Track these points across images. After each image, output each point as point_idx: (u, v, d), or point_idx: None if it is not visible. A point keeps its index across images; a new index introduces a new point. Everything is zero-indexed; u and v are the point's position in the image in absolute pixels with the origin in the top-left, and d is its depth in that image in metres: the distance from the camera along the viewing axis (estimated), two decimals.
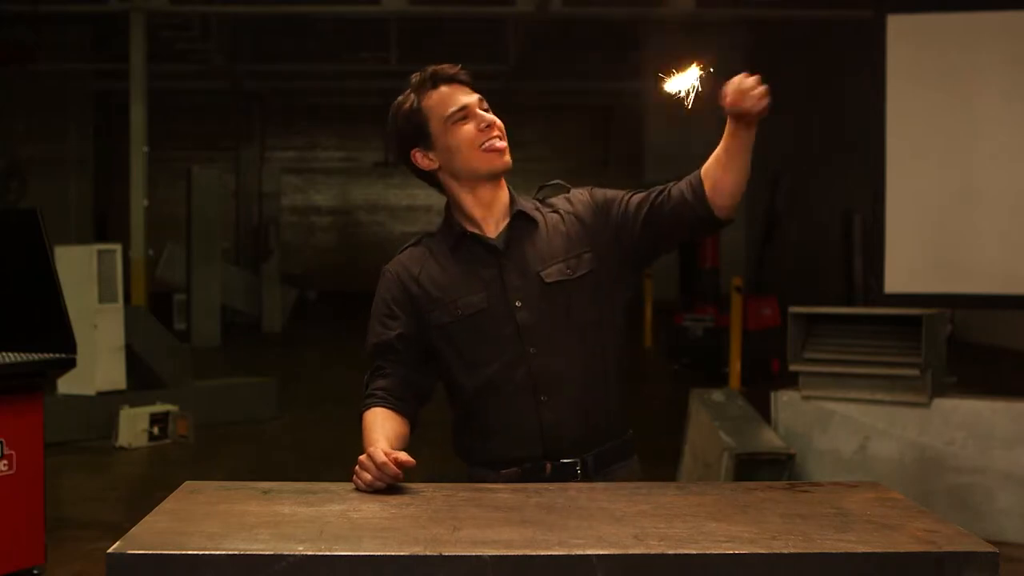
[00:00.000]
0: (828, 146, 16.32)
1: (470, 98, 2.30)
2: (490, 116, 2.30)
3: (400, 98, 2.35)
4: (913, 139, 6.00)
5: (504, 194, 2.36)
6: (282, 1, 14.25)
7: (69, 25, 17.04)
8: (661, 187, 2.32)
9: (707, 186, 2.24)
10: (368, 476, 2.07)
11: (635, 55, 20.83)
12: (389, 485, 2.07)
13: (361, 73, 20.11)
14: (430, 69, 2.33)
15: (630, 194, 2.35)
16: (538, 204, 2.39)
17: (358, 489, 2.08)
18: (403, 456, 2.08)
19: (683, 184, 2.27)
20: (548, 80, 18.91)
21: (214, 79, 19.21)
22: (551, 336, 2.27)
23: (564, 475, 2.26)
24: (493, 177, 2.32)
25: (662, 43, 20.02)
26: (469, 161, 2.30)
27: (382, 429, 2.22)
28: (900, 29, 5.99)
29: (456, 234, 2.33)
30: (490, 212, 2.33)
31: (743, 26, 18.99)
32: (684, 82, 2.21)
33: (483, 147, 2.29)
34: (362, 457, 2.10)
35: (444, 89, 2.30)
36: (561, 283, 2.28)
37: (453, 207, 2.36)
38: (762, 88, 2.13)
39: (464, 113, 2.29)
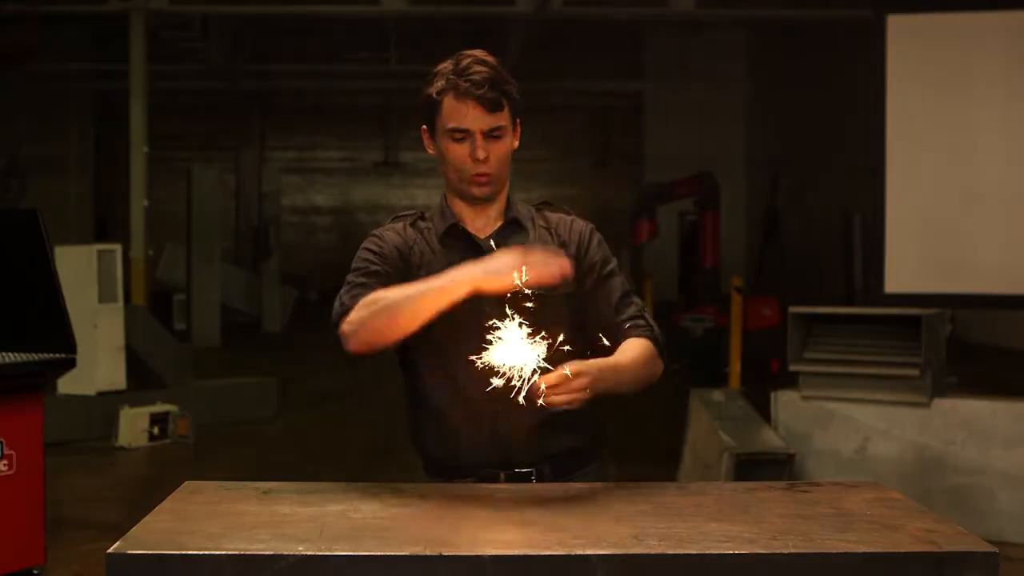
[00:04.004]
0: (828, 146, 16.31)
1: (479, 122, 2.22)
2: (483, 152, 2.23)
3: (438, 68, 2.28)
4: (913, 139, 6.00)
5: (498, 202, 2.34)
6: (282, 1, 14.25)
7: (69, 25, 17.05)
8: (629, 317, 2.28)
9: None
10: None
11: (635, 55, 20.84)
12: (391, 487, 2.07)
13: (361, 73, 20.11)
14: (458, 71, 2.23)
15: (610, 277, 2.31)
16: (534, 214, 2.37)
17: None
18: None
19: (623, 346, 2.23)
20: (548, 80, 18.92)
21: (214, 79, 19.20)
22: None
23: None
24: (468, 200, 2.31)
25: (662, 43, 20.08)
26: (450, 177, 2.30)
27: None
28: (900, 29, 5.99)
29: (448, 223, 2.32)
30: (477, 216, 2.33)
31: (743, 26, 19.01)
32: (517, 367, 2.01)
33: (465, 175, 2.26)
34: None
35: (460, 100, 2.23)
36: (534, 293, 2.25)
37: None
38: (576, 386, 1.99)
39: (462, 135, 2.24)
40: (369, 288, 2.20)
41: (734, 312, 8.67)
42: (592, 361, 2.08)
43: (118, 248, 8.28)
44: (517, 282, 2.01)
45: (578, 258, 2.30)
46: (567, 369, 2.00)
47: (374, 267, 2.26)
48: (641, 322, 2.29)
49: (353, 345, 2.15)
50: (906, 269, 6.00)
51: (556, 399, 1.99)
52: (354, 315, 2.14)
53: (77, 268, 7.76)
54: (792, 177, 17.44)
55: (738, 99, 20.43)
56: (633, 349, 2.23)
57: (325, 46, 18.56)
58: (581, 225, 2.36)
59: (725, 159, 18.43)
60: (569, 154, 21.39)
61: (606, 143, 22.23)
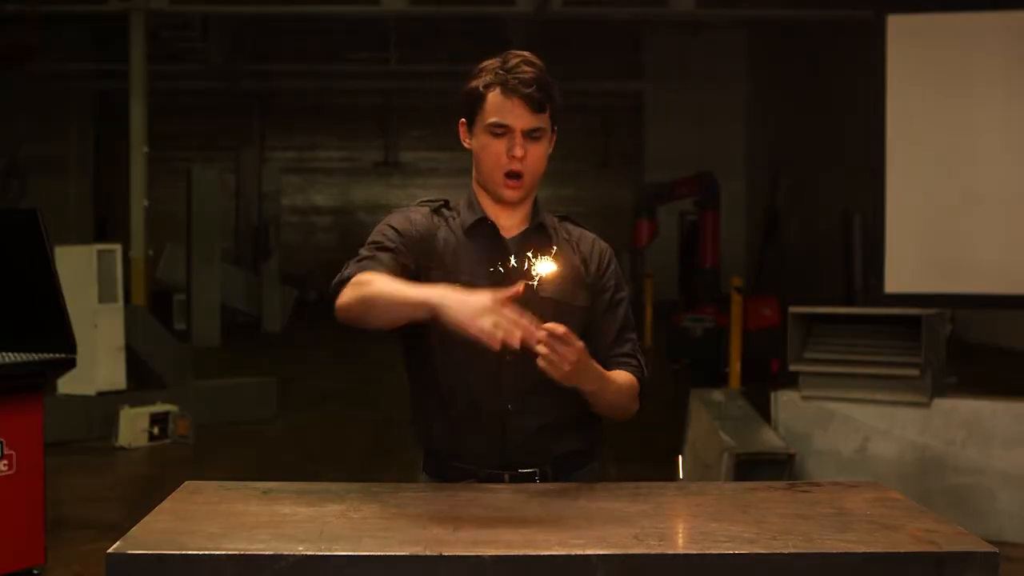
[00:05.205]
0: (828, 146, 16.32)
1: (521, 120, 2.23)
2: (522, 150, 2.23)
3: (483, 64, 2.28)
4: (913, 139, 6.00)
5: (525, 205, 2.33)
6: (282, 1, 14.25)
7: (69, 25, 17.06)
8: (624, 353, 2.33)
9: None
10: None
11: (635, 55, 20.84)
12: (391, 487, 2.07)
13: (361, 73, 20.12)
14: (507, 68, 2.24)
15: (618, 305, 2.36)
16: (556, 224, 2.37)
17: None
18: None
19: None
20: None
21: (214, 79, 19.22)
22: (530, 349, 2.24)
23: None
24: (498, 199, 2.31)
25: (662, 43, 20.08)
26: (484, 173, 2.29)
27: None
28: (900, 29, 5.99)
29: (477, 217, 2.31)
30: (503, 214, 2.32)
31: (743, 26, 19.02)
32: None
33: (500, 171, 2.25)
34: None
35: (506, 96, 2.23)
36: (553, 300, 2.24)
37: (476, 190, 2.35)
38: (575, 353, 2.03)
39: (503, 131, 2.24)
40: (377, 263, 2.19)
41: (734, 312, 8.67)
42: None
43: (118, 248, 8.28)
44: (484, 336, 1.96)
45: (595, 278, 2.33)
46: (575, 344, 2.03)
47: (390, 243, 2.24)
48: (633, 361, 2.33)
49: (341, 317, 2.15)
50: (906, 269, 6.00)
51: (545, 352, 2.00)
52: (346, 291, 2.14)
53: (77, 268, 7.75)
54: (792, 177, 17.45)
55: (738, 99, 20.44)
56: (621, 378, 2.27)
57: (325, 46, 18.57)
58: (603, 246, 2.39)
59: (725, 159, 18.44)
60: (569, 154, 21.40)
61: (606, 143, 22.24)
